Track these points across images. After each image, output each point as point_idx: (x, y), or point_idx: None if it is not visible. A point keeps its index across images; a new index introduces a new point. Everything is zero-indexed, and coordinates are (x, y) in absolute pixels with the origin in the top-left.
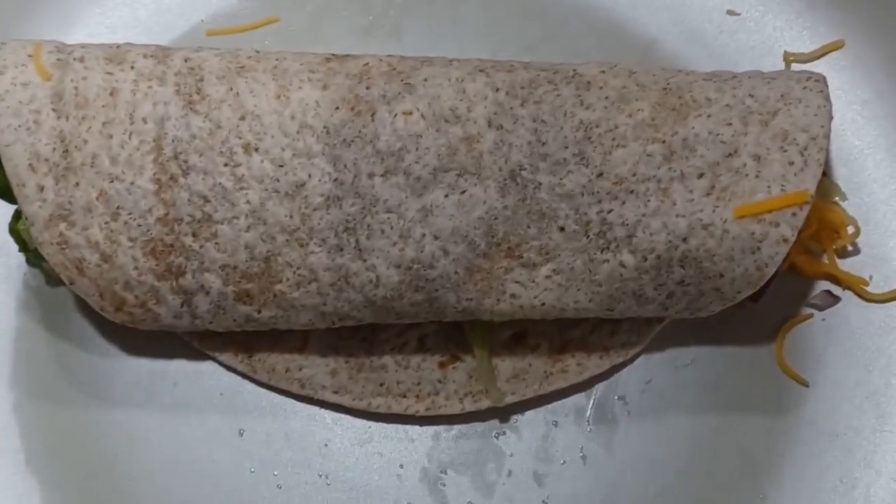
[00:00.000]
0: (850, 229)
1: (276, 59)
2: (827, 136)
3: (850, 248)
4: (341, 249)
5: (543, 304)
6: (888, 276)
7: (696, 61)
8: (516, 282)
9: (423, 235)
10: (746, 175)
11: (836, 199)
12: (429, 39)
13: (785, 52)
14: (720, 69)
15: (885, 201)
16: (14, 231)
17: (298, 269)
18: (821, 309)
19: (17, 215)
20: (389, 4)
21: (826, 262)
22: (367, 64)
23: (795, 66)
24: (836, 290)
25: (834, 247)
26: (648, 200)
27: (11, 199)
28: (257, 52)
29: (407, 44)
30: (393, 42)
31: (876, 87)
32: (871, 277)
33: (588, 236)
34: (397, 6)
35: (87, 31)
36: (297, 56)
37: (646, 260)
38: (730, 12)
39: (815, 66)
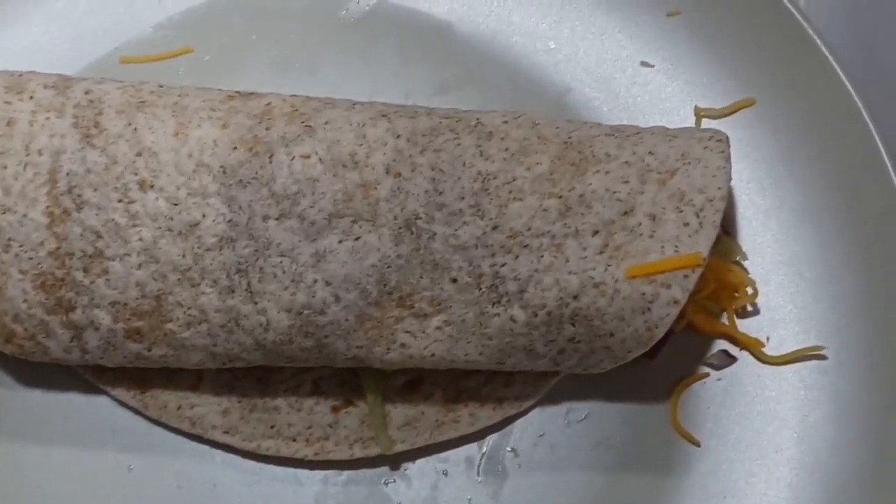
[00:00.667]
0: (750, 290)
1: (179, 95)
2: (724, 199)
3: (749, 308)
4: (233, 291)
5: (433, 354)
6: (785, 337)
7: (609, 111)
8: (407, 331)
9: (315, 281)
10: (641, 234)
11: (738, 258)
12: (343, 76)
13: (696, 107)
14: (628, 122)
15: (786, 262)
16: None
17: (189, 309)
18: (717, 368)
19: None
20: (305, 41)
21: (724, 322)
22: (269, 104)
23: (706, 122)
24: (734, 350)
25: (733, 307)
26: (542, 256)
27: None
28: (161, 86)
29: (321, 80)
30: (307, 78)
31: (784, 147)
32: (768, 339)
33: (480, 289)
34: (313, 42)
35: (0, 53)
36: (201, 92)
37: (536, 316)
38: (643, 64)
39: (726, 123)
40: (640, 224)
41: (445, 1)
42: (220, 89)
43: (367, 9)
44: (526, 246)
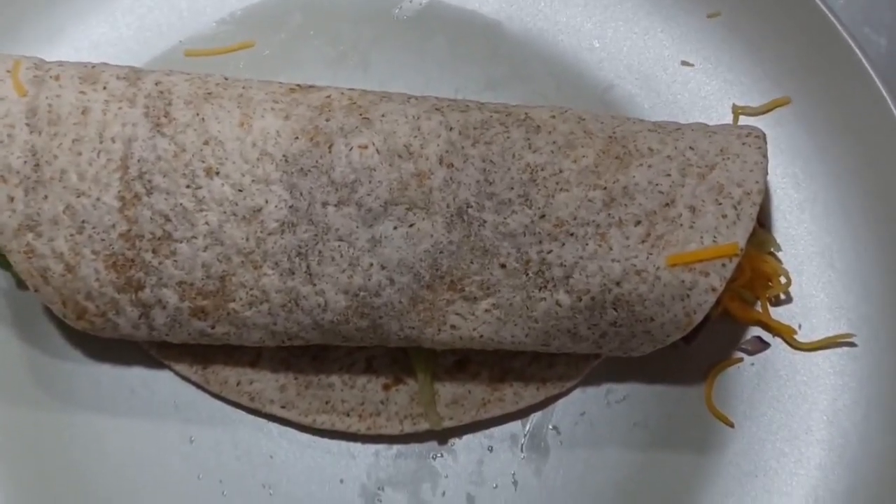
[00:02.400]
0: (783, 279)
1: (243, 87)
2: (760, 192)
3: (782, 296)
4: (293, 273)
5: (482, 336)
6: (817, 325)
7: (650, 108)
8: (457, 314)
9: (371, 265)
10: (681, 225)
11: (772, 249)
12: (395, 72)
13: (733, 105)
14: (669, 118)
15: (819, 253)
16: None
17: (251, 289)
18: (751, 354)
19: None
20: (359, 37)
21: (758, 309)
22: (328, 96)
23: (743, 119)
24: (767, 336)
25: (767, 295)
26: (586, 244)
27: None
28: (226, 79)
29: (373, 75)
30: (360, 73)
31: (818, 144)
32: (800, 326)
33: (527, 274)
34: (367, 39)
35: (72, 46)
36: (263, 85)
37: (580, 300)
38: (683, 63)
39: (762, 120)
40: (680, 215)
41: (495, 1)
42: (281, 83)
43: (419, 7)
44: (572, 234)
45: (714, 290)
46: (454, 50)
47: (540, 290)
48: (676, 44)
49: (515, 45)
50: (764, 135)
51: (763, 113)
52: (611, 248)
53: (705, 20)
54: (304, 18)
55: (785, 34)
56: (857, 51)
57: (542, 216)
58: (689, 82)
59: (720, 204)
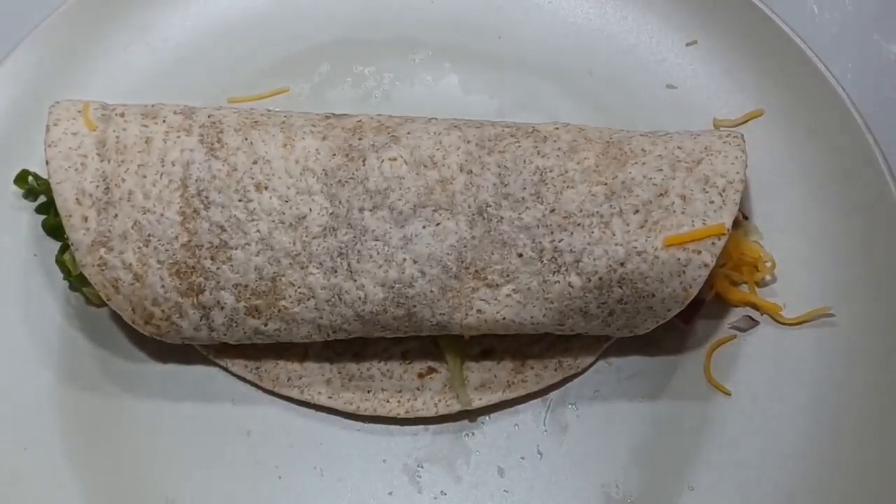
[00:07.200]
0: (768, 263)
1: (284, 117)
2: (742, 181)
3: (768, 278)
4: (335, 271)
5: (504, 318)
6: (800, 302)
7: (641, 125)
8: (482, 299)
9: (404, 260)
10: (674, 211)
11: (755, 238)
12: (413, 108)
13: (714, 119)
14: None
15: (798, 240)
16: (60, 261)
17: (299, 287)
18: (742, 331)
19: (63, 249)
20: (381, 79)
21: (747, 291)
22: (359, 120)
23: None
24: (756, 315)
25: (754, 278)
26: (592, 232)
27: (58, 236)
28: (269, 110)
29: (394, 111)
30: (383, 109)
31: (789, 148)
32: (784, 305)
33: (542, 261)
34: (387, 80)
35: (128, 94)
36: (302, 114)
37: (590, 281)
38: (668, 86)
39: (739, 130)
40: (673, 203)
41: (499, 43)
42: (317, 113)
43: (430, 55)
44: (579, 224)
45: (706, 265)
46: (465, 85)
47: (554, 274)
48: (661, 69)
49: (518, 78)
50: (742, 135)
51: (740, 124)
52: (614, 234)
53: (685, 48)
54: (332, 66)
55: (755, 55)
56: (820, 65)
57: (553, 210)
58: (674, 102)
59: (707, 192)
